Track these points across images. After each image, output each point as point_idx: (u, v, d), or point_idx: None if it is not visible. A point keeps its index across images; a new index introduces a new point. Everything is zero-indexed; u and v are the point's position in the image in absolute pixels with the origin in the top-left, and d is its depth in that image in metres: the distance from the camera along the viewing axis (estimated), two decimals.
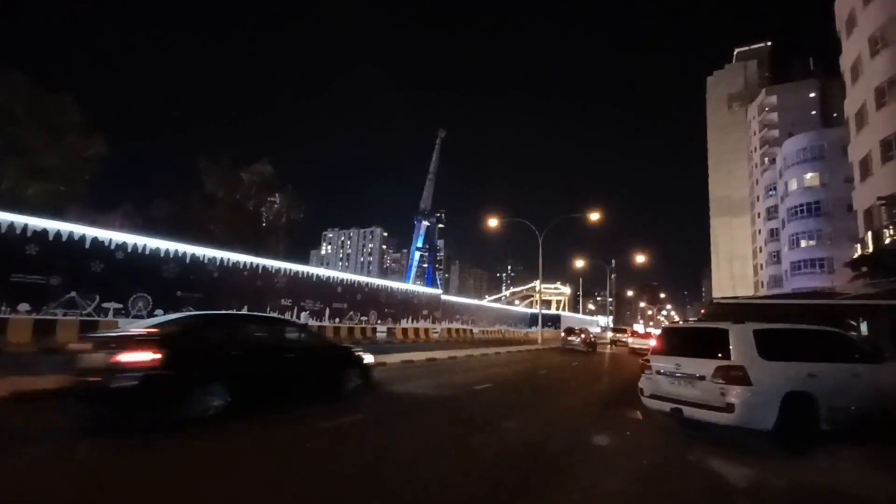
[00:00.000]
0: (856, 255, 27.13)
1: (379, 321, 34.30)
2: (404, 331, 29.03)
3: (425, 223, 64.25)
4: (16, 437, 4.75)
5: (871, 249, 24.23)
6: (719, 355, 5.60)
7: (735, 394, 5.26)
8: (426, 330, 31.78)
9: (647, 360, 6.51)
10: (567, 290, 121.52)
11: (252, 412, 5.85)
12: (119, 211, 45.83)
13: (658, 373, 6.25)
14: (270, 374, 6.44)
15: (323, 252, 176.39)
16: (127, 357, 5.04)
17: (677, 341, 6.39)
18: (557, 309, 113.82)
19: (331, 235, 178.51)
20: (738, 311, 11.14)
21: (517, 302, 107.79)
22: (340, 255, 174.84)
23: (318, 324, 26.77)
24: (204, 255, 22.52)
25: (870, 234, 24.49)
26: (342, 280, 31.15)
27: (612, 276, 72.21)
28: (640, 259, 49.29)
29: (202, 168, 45.61)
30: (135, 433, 4.92)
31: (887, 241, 22.60)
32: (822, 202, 46.13)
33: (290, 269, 27.28)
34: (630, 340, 32.90)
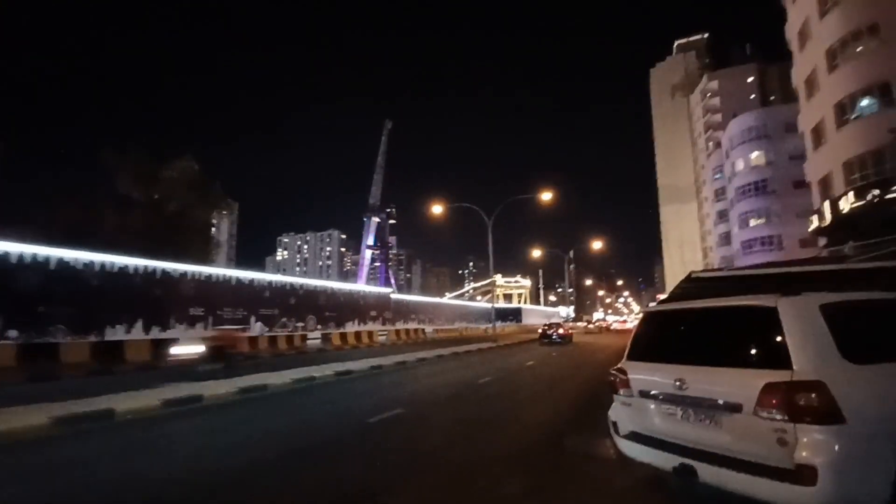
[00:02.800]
0: (812, 227, 26.27)
1: (319, 326, 30.64)
2: (343, 336, 25.56)
3: (375, 219, 60.39)
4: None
5: (828, 219, 23.20)
6: (764, 359, 2.82)
7: (814, 444, 2.46)
8: (371, 333, 28.42)
9: (622, 372, 3.67)
10: (527, 282, 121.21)
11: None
12: (31, 219, 39.04)
13: (644, 395, 3.42)
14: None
15: (279, 258, 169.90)
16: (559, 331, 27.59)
17: (676, 335, 3.55)
18: (519, 302, 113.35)
19: (286, 241, 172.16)
20: (726, 286, 8.67)
21: (479, 297, 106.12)
22: (298, 261, 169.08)
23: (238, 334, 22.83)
24: (77, 260, 18.08)
25: (827, 203, 23.45)
26: (270, 283, 27.23)
27: (571, 266, 71.53)
28: (597, 246, 48.02)
29: (110, 164, 39.67)
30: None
31: (846, 209, 21.51)
32: (769, 180, 46.46)
33: (202, 274, 23.19)
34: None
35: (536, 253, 51.94)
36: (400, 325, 40.29)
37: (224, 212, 52.03)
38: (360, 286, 40.05)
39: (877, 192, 19.68)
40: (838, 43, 22.05)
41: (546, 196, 23.40)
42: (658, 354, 3.46)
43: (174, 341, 16.10)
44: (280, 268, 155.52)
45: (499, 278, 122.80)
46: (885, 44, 19.76)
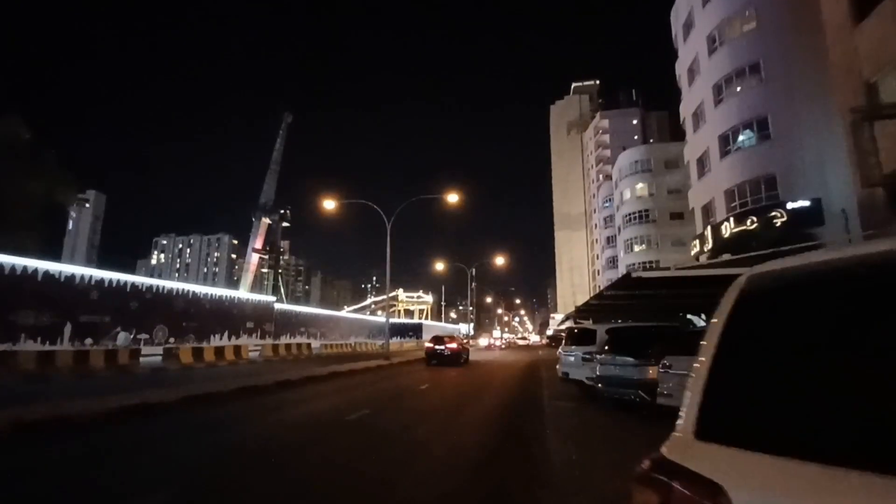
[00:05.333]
0: (694, 252, 27.90)
1: (172, 339, 24.74)
2: (198, 351, 20.45)
3: (266, 221, 53.79)
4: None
5: (711, 243, 24.53)
6: None
7: None
8: (239, 348, 23.46)
9: (693, 483, 1.00)
10: (430, 298, 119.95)
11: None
12: None
13: None
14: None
15: (154, 262, 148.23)
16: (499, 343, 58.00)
17: None
18: (421, 318, 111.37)
19: (164, 242, 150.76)
20: (670, 286, 6.88)
21: (380, 312, 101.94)
22: (178, 266, 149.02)
23: (43, 347, 16.75)
24: None
25: (709, 228, 24.86)
26: (100, 281, 21.05)
27: (473, 284, 71.77)
28: (499, 262, 47.88)
29: None
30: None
31: (727, 234, 22.77)
32: (651, 210, 50.69)
33: None
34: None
35: (439, 266, 50.26)
36: (286, 340, 35.20)
37: (75, 195, 42.06)
38: (234, 292, 34.19)
39: (754, 218, 20.97)
40: (724, 79, 23.72)
41: (451, 198, 21.41)
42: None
43: None
44: (155, 272, 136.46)
45: (401, 293, 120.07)
46: (765, 82, 21.46)
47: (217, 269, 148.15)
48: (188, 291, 26.69)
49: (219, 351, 21.77)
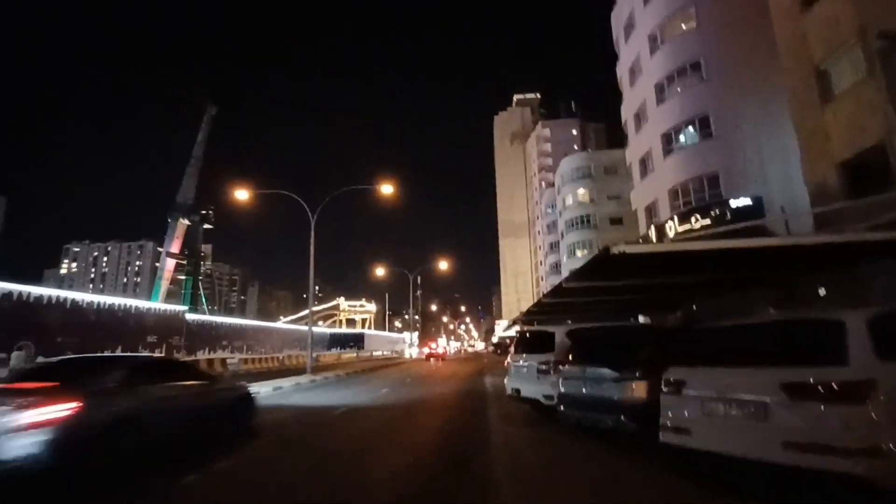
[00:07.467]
0: None
1: (41, 358, 20.10)
2: None
3: (185, 222, 48.18)
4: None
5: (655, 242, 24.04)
6: None
7: None
8: None
9: None
10: (373, 307, 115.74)
11: None
12: None
13: None
14: None
15: (64, 271, 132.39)
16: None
17: None
18: (364, 327, 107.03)
19: (77, 250, 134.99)
20: (658, 265, 5.00)
21: (320, 322, 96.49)
22: (93, 275, 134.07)
23: None
24: None
25: (653, 228, 24.43)
26: None
27: (418, 292, 69.57)
28: (443, 267, 46.04)
29: None
30: None
31: (671, 233, 22.31)
32: (592, 216, 51.32)
33: None
34: None
35: (380, 272, 47.51)
36: (202, 355, 30.75)
37: None
38: (131, 301, 29.40)
39: (698, 216, 20.56)
40: (666, 78, 23.47)
41: (385, 189, 19.11)
42: None
43: None
44: (66, 283, 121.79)
45: (342, 302, 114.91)
46: (705, 81, 21.28)
47: (139, 280, 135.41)
48: (66, 300, 22.05)
49: None
